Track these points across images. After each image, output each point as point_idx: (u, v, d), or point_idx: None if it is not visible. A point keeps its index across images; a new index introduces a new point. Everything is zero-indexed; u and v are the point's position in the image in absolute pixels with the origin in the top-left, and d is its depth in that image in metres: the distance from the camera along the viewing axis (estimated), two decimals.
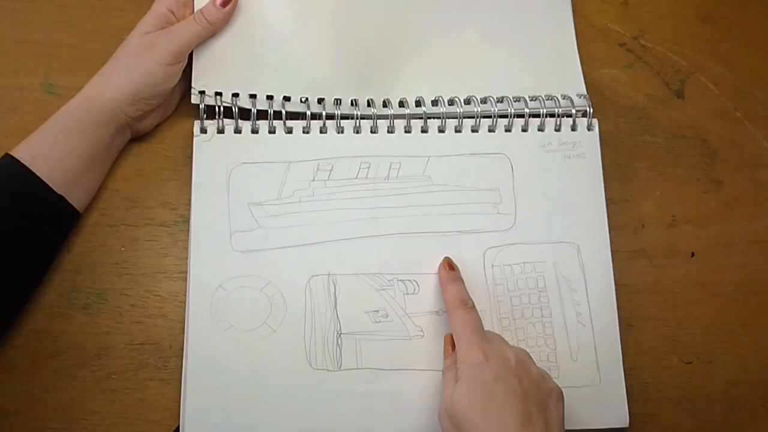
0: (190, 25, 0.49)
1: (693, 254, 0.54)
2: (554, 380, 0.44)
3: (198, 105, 0.50)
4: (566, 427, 0.44)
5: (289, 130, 0.51)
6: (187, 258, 0.49)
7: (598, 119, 0.53)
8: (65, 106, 0.47)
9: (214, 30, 0.50)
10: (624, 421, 0.48)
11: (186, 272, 0.48)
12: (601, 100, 0.56)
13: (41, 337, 0.48)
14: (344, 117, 0.51)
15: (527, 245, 0.51)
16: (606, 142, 0.54)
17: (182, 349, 0.47)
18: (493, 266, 0.50)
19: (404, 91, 0.53)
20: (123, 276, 0.49)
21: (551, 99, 0.53)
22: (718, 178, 0.56)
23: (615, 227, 0.52)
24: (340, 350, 0.48)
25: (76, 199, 0.47)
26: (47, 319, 0.48)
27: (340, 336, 0.48)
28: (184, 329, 0.47)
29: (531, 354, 0.45)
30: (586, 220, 0.51)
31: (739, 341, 0.52)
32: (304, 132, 0.51)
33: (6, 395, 0.47)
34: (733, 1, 0.60)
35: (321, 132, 0.51)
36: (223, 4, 0.50)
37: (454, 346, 0.45)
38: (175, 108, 0.53)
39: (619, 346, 0.50)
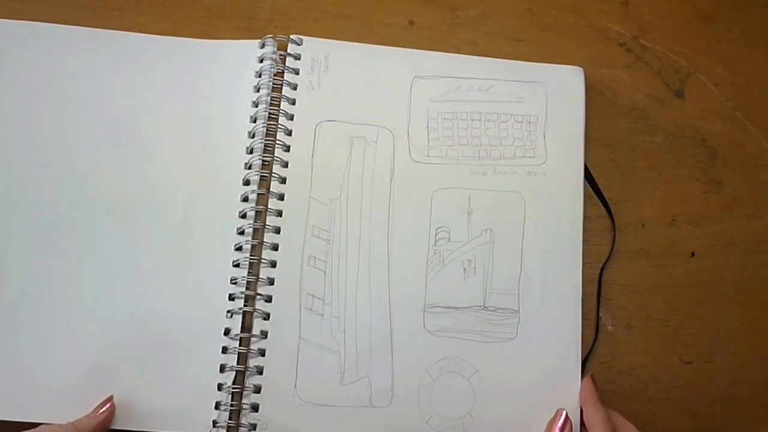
0: None
1: (693, 254, 0.54)
2: None
3: None
4: None
5: None
6: None
7: (598, 119, 0.53)
8: None
9: None
10: None
11: None
12: (601, 100, 0.56)
13: None
14: None
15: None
16: (606, 142, 0.54)
17: None
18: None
19: None
20: None
21: None
22: (718, 178, 0.56)
23: (615, 227, 0.52)
24: None
25: None
26: None
27: None
28: None
29: None
30: None
31: (739, 341, 0.52)
32: None
33: None
34: (733, 1, 0.60)
35: None
36: None
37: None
38: None
39: None
